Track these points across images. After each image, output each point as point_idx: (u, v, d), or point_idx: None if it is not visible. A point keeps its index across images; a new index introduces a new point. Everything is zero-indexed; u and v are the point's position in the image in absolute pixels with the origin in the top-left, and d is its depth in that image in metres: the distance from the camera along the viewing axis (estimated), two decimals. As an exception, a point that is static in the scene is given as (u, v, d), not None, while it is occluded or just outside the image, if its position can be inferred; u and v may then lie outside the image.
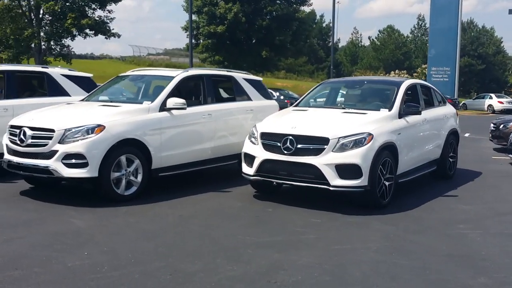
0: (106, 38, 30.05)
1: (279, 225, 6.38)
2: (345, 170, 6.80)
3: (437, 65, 46.51)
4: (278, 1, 36.23)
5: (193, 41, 36.25)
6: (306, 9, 39.57)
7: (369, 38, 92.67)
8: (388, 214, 6.90)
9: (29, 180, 8.03)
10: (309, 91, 9.06)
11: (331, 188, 6.84)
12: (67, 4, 28.75)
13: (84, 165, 6.86)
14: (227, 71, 9.73)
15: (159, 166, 7.71)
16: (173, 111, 7.87)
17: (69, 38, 29.84)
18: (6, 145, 7.48)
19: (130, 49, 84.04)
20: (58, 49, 30.62)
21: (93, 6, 29.66)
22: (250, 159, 7.50)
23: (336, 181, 6.80)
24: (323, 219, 6.62)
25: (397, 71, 61.77)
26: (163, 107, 7.79)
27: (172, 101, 7.81)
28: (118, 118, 7.31)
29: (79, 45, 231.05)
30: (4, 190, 7.87)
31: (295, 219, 6.62)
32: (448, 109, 9.79)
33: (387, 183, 7.21)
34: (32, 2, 28.78)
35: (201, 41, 35.83)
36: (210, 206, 7.23)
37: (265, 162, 7.26)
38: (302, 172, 6.99)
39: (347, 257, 5.20)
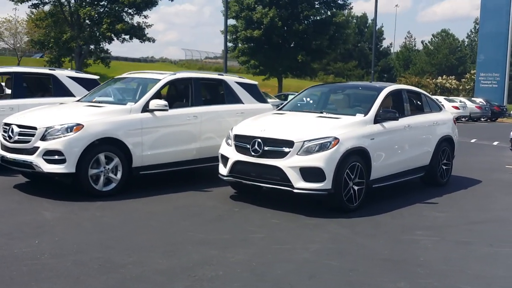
0: (141, 42, 31.09)
1: (235, 224, 6.57)
2: (309, 173, 6.91)
3: (486, 71, 45.22)
4: (316, 6, 36.21)
5: (232, 44, 36.87)
6: (357, 12, 39.26)
7: (422, 42, 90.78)
8: (352, 218, 6.95)
9: (25, 174, 8.55)
10: (295, 95, 9.19)
11: (294, 191, 6.96)
12: (104, 10, 29.99)
13: (62, 161, 7.29)
14: (219, 74, 10.00)
15: (140, 164, 8.05)
16: (156, 112, 8.19)
17: (106, 42, 31.08)
18: (0, 141, 8.03)
19: (190, 53, 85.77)
20: (97, 53, 31.93)
21: (130, 11, 30.75)
22: (224, 160, 7.73)
23: (299, 183, 6.93)
24: (283, 220, 6.76)
25: (444, 76, 60.37)
26: (145, 108, 8.13)
27: (154, 103, 8.15)
28: (99, 117, 7.70)
29: (141, 48, 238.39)
30: (1, 182, 8.42)
31: (256, 219, 6.79)
32: (442, 115, 9.66)
33: (356, 188, 7.25)
34: (72, 8, 30.16)
35: (239, 45, 36.30)
36: (181, 204, 7.50)
37: (236, 163, 7.47)
38: (268, 174, 7.15)
39: (279, 256, 5.33)
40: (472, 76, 53.68)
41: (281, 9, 34.11)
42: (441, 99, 34.41)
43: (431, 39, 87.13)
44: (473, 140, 19.51)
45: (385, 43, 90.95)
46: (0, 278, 4.51)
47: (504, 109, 39.47)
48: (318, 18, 36.49)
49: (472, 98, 39.65)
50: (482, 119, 36.83)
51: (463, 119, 34.43)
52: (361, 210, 7.33)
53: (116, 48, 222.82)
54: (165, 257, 5.18)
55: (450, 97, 38.64)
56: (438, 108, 9.78)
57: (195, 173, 9.52)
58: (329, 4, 37.55)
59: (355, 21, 79.88)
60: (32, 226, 6.06)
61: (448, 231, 6.56)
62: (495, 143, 18.39)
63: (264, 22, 33.50)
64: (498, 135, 21.85)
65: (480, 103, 36.86)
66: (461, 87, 61.25)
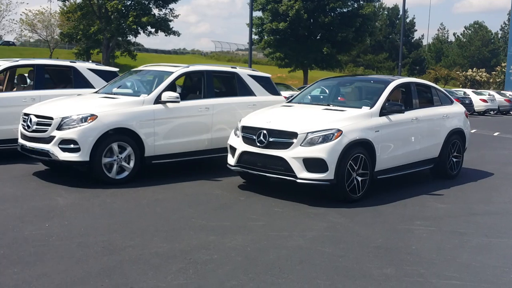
0: (166, 35, 31.56)
1: (238, 212, 6.81)
2: (311, 164, 7.09)
3: (517, 64, 44.22)
4: (343, -3, 36.07)
5: (257, 37, 37.01)
6: (389, 4, 38.88)
7: (454, 34, 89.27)
8: (353, 208, 7.11)
9: (45, 163, 8.96)
10: (305, 88, 9.34)
11: (298, 180, 7.16)
12: (130, 3, 30.59)
13: (76, 150, 7.65)
14: (232, 67, 10.22)
15: (152, 154, 8.36)
16: (168, 104, 8.48)
17: (132, 34, 31.68)
18: (20, 130, 8.44)
19: (219, 45, 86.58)
20: (124, 45, 32.55)
21: (157, 4, 31.24)
22: (232, 150, 7.97)
23: (303, 174, 7.12)
24: (285, 209, 6.96)
25: (474, 69, 59.40)
26: (158, 100, 8.42)
27: (167, 95, 8.43)
28: (112, 109, 8.03)
29: (174, 40, 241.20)
30: (21, 169, 8.85)
31: (259, 207, 7.01)
32: (453, 108, 9.67)
33: (359, 179, 7.40)
34: (100, 1, 30.84)
35: (265, 37, 36.44)
36: (189, 192, 7.77)
37: (243, 153, 7.70)
38: (273, 164, 7.35)
39: (275, 243, 5.55)
40: (503, 69, 52.59)
41: (307, 1, 34.08)
42: (469, 92, 33.94)
43: (464, 31, 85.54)
44: (496, 134, 19.29)
45: (417, 35, 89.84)
46: (9, 257, 4.84)
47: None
48: (344, 10, 36.29)
49: (502, 91, 38.91)
50: (511, 113, 36.15)
51: (492, 112, 33.87)
52: (365, 200, 7.48)
53: (148, 40, 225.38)
54: (165, 241, 5.45)
55: (479, 90, 38.00)
56: (449, 101, 9.79)
57: (206, 163, 9.79)
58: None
59: (386, 12, 78.98)
60: (45, 211, 6.41)
61: (446, 222, 6.65)
62: (519, 136, 18.16)
63: (290, 14, 33.54)
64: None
65: (510, 96, 36.16)
66: (491, 80, 60.05)
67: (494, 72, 60.35)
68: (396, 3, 76.61)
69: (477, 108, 31.94)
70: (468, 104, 30.01)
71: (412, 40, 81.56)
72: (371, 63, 75.49)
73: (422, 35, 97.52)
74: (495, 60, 76.50)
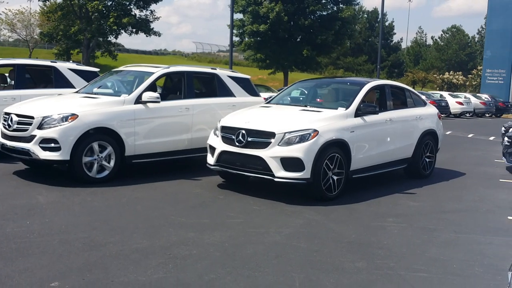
0: (146, 36, 31.64)
1: (217, 210, 6.97)
2: (289, 163, 7.29)
3: (492, 67, 45.20)
4: (323, 1, 36.42)
5: (238, 38, 37.22)
6: (369, 7, 39.21)
7: (432, 38, 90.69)
8: (329, 206, 7.32)
9: (25, 162, 9.01)
10: (283, 89, 9.56)
11: (275, 179, 7.35)
12: (111, 3, 30.62)
13: (57, 149, 7.74)
14: (212, 68, 10.39)
15: (133, 153, 8.47)
16: (149, 104, 8.61)
17: (113, 35, 31.66)
18: (1, 129, 8.48)
19: (201, 46, 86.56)
20: (105, 45, 32.49)
21: (138, 5, 31.31)
22: (212, 150, 8.13)
23: (280, 172, 7.31)
24: (263, 207, 7.15)
25: (451, 72, 60.51)
26: (138, 100, 8.55)
27: (147, 95, 8.56)
28: (93, 108, 8.13)
29: (155, 41, 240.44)
30: (1, 168, 8.86)
31: (237, 206, 7.19)
32: (426, 110, 9.97)
33: (335, 177, 7.63)
34: (81, 1, 30.78)
35: (246, 39, 36.68)
36: (169, 191, 7.91)
37: (222, 153, 7.87)
38: (251, 163, 7.54)
39: (251, 239, 5.73)
40: (479, 72, 53.66)
41: (287, 4, 34.37)
42: (445, 94, 34.56)
43: (441, 35, 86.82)
44: (470, 135, 19.76)
45: (396, 38, 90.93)
46: (-9, 253, 4.95)
47: (509, 105, 39.43)
48: (324, 13, 36.69)
49: (478, 94, 39.70)
50: (487, 115, 36.89)
51: (468, 115, 34.55)
52: (341, 198, 7.70)
53: (130, 40, 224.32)
54: (145, 238, 5.59)
55: (455, 93, 38.72)
56: (423, 103, 10.09)
57: (186, 163, 9.94)
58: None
59: (366, 16, 79.75)
60: (25, 209, 6.50)
61: (417, 219, 6.91)
62: (491, 138, 18.65)
63: (271, 16, 33.80)
64: (497, 130, 21.88)
65: (485, 99, 36.91)
66: (467, 83, 61.17)
67: (471, 75, 61.50)
68: (375, 6, 78.08)
69: (453, 111, 32.55)
70: (444, 107, 30.60)
71: (391, 43, 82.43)
72: (351, 66, 76.10)
73: (401, 39, 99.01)
74: (472, 64, 77.86)
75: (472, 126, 25.25)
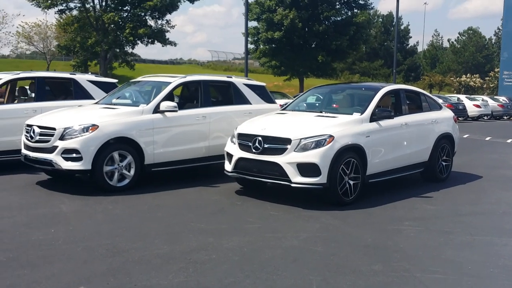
0: (162, 46, 32.08)
1: (235, 215, 7.11)
2: (305, 169, 7.40)
3: (510, 69, 44.80)
4: (337, 6, 36.55)
5: (253, 46, 37.49)
6: (384, 11, 39.23)
7: (448, 40, 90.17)
8: (346, 211, 7.41)
9: (48, 172, 9.24)
10: (298, 95, 9.69)
11: (292, 185, 7.47)
12: (127, 15, 31.16)
13: (79, 159, 7.96)
14: (228, 77, 10.55)
15: (152, 162, 8.66)
16: (166, 113, 8.80)
17: (130, 46, 32.18)
18: (23, 141, 8.74)
19: (216, 54, 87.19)
20: (122, 56, 32.96)
21: (153, 15, 31.80)
22: (229, 157, 8.28)
23: (297, 178, 7.43)
24: (281, 212, 7.27)
25: (468, 74, 60.15)
26: (156, 110, 8.74)
27: (165, 104, 8.76)
28: (113, 119, 8.35)
29: (171, 50, 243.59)
30: (25, 179, 9.14)
31: (255, 211, 7.31)
32: (442, 114, 10.00)
33: (351, 182, 7.72)
34: (97, 13, 31.31)
35: (261, 46, 36.95)
36: (189, 198, 8.08)
37: (240, 160, 8.01)
38: (268, 169, 7.67)
39: (270, 243, 5.85)
40: (496, 75, 53.24)
41: (301, 11, 34.56)
42: (462, 97, 34.37)
43: (458, 37, 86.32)
44: (488, 138, 19.64)
45: (412, 42, 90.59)
46: (18, 260, 5.13)
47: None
48: (338, 18, 36.82)
49: (495, 97, 39.37)
50: (505, 117, 36.56)
51: (485, 118, 34.29)
52: (357, 203, 7.78)
53: (146, 50, 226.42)
54: (166, 244, 5.75)
55: (472, 96, 38.46)
56: (438, 106, 10.14)
57: (204, 170, 10.10)
58: (350, 4, 37.85)
59: (381, 20, 79.63)
60: (49, 218, 6.71)
61: (433, 222, 6.96)
62: (509, 140, 18.53)
63: (285, 23, 34.02)
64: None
65: (503, 102, 36.60)
66: (485, 86, 60.69)
67: (488, 78, 61.05)
68: (390, 10, 78.14)
69: (471, 114, 32.36)
70: (461, 110, 30.45)
71: (407, 47, 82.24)
72: (367, 70, 76.02)
73: (417, 42, 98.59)
74: (489, 66, 77.20)
75: (490, 129, 25.08)
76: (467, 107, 31.65)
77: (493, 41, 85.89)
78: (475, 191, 9.12)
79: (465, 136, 19.98)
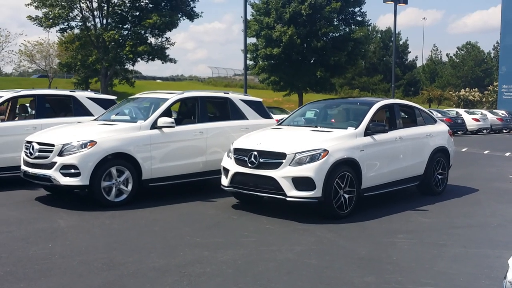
0: (162, 63, 32.48)
1: (231, 229, 7.18)
2: (300, 183, 7.49)
3: (508, 83, 45.00)
4: (335, 23, 36.90)
5: (252, 62, 37.79)
6: (383, 26, 39.50)
7: (447, 55, 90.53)
8: (341, 224, 7.48)
9: (46, 188, 9.33)
10: (294, 111, 9.81)
11: (287, 199, 7.54)
12: (126, 33, 31.60)
13: (77, 175, 8.05)
14: (225, 93, 10.68)
15: (149, 177, 8.75)
16: (164, 129, 8.91)
17: (130, 63, 32.55)
18: (23, 157, 8.84)
19: (216, 71, 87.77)
20: (122, 73, 33.29)
21: (153, 33, 32.24)
22: (226, 171, 8.37)
23: (292, 192, 7.51)
24: (276, 226, 7.34)
25: (467, 88, 60.45)
26: (154, 125, 8.86)
27: (162, 120, 8.87)
28: (111, 135, 8.46)
29: (171, 67, 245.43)
30: (24, 195, 9.23)
31: (251, 225, 7.38)
32: (436, 127, 10.10)
33: (346, 196, 7.79)
34: (98, 31, 31.69)
35: (260, 62, 37.25)
36: (185, 212, 8.15)
37: (236, 174, 8.10)
38: (264, 183, 7.75)
39: (264, 256, 5.91)
40: (495, 88, 53.54)
41: (299, 27, 34.88)
42: (461, 111, 34.50)
43: (456, 52, 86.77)
44: (486, 152, 19.71)
45: (411, 56, 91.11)
46: (15, 274, 5.20)
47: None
48: (336, 34, 37.14)
49: (494, 110, 39.52)
50: (504, 131, 36.64)
51: (485, 131, 34.37)
52: (353, 216, 7.85)
53: (146, 67, 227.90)
54: (161, 257, 5.82)
55: (471, 110, 38.61)
56: (433, 120, 10.24)
57: (201, 185, 10.17)
58: (348, 21, 38.20)
59: (379, 35, 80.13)
60: (47, 232, 6.78)
61: (428, 235, 7.02)
62: (507, 154, 18.59)
63: (283, 40, 34.30)
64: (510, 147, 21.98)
65: (502, 115, 36.72)
66: (484, 99, 60.92)
67: (487, 92, 61.32)
68: (389, 26, 78.76)
69: (470, 128, 32.47)
70: (460, 124, 30.56)
71: (406, 62, 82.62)
72: (366, 85, 76.27)
73: (416, 57, 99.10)
74: (488, 80, 77.40)
75: (489, 143, 25.15)
76: (466, 121, 31.76)
77: (492, 55, 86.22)
78: (470, 204, 9.18)
79: (463, 149, 20.06)
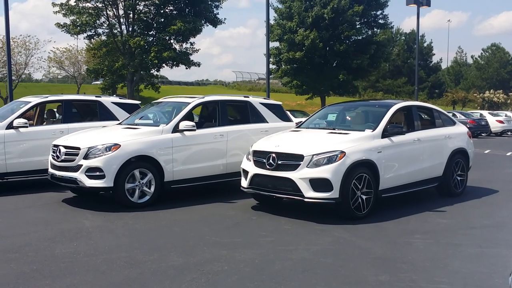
0: (186, 68, 32.92)
1: (250, 229, 7.35)
2: (317, 184, 7.62)
3: (535, 84, 44.16)
4: (357, 26, 36.85)
5: (275, 66, 37.99)
6: (407, 29, 39.33)
7: (471, 57, 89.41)
8: (358, 224, 7.58)
9: (73, 190, 9.64)
10: (313, 114, 9.95)
11: (305, 200, 7.68)
12: (152, 39, 32.19)
13: (102, 177, 8.33)
14: (245, 96, 10.87)
15: (171, 179, 8.99)
16: (185, 132, 9.14)
17: (155, 68, 33.12)
18: (50, 161, 9.17)
19: (240, 75, 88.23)
20: (148, 79, 33.86)
21: (177, 39, 32.79)
22: (245, 173, 8.55)
23: (309, 193, 7.65)
24: (294, 226, 7.48)
25: (492, 90, 59.64)
26: (176, 129, 9.09)
27: (184, 124, 9.10)
28: (134, 138, 8.73)
29: (197, 71, 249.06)
30: (51, 197, 9.56)
31: (269, 225, 7.54)
32: (455, 129, 10.10)
33: (364, 197, 7.89)
34: (124, 38, 32.30)
35: (283, 66, 37.45)
36: (206, 213, 8.35)
37: (255, 176, 8.28)
38: (282, 185, 7.91)
39: (281, 255, 6.06)
40: (519, 90, 53.03)
41: (322, 31, 34.94)
42: (485, 113, 34.09)
43: (481, 53, 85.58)
44: (509, 153, 19.48)
45: (435, 58, 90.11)
46: (41, 272, 5.46)
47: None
48: (359, 38, 37.11)
49: (520, 112, 38.91)
50: (530, 133, 36.03)
51: (509, 133, 33.87)
52: (371, 217, 7.94)
53: (172, 72, 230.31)
54: (181, 256, 6.02)
55: (495, 111, 38.09)
56: (452, 122, 10.25)
57: (222, 187, 10.38)
58: (370, 24, 38.13)
59: (403, 38, 79.46)
60: (73, 232, 7.05)
61: (444, 235, 7.07)
62: (533, 156, 18.37)
63: (306, 44, 34.41)
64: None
65: (527, 117, 36.10)
66: (509, 101, 59.96)
67: (511, 93, 60.44)
68: (413, 28, 78.26)
69: (494, 129, 32.08)
70: (484, 126, 30.23)
71: (431, 64, 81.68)
72: (390, 88, 75.66)
73: (441, 59, 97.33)
74: (514, 81, 76.31)
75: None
76: (489, 123, 31.40)
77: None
78: (488, 205, 9.18)
79: (486, 151, 19.87)
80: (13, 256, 5.97)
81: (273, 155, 7.99)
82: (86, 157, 8.46)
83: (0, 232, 7.13)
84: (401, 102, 9.47)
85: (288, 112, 12.10)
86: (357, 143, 8.03)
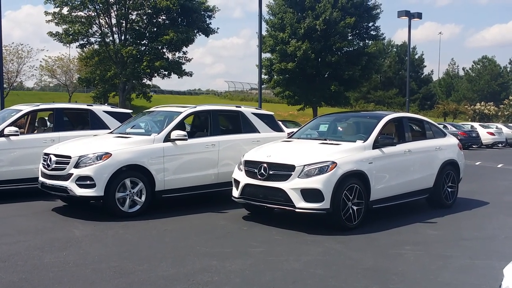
0: (179, 77, 33.01)
1: (240, 240, 7.33)
2: (309, 194, 7.63)
3: (525, 96, 44.59)
4: (349, 37, 37.11)
5: (267, 76, 38.13)
6: (398, 41, 39.57)
7: (463, 69, 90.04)
8: (349, 235, 7.58)
9: (63, 199, 9.58)
10: (305, 124, 9.98)
11: (296, 210, 7.68)
12: (144, 48, 32.27)
13: (92, 186, 8.29)
14: (237, 106, 10.89)
15: (162, 188, 8.96)
16: (177, 142, 9.13)
17: (147, 78, 33.17)
18: (40, 169, 9.12)
19: (233, 85, 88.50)
20: (139, 88, 33.90)
21: (170, 49, 32.88)
22: (236, 183, 8.55)
23: (301, 203, 7.65)
24: (285, 237, 7.47)
25: (482, 102, 60.17)
26: (167, 138, 9.08)
27: (175, 133, 9.10)
28: (125, 147, 8.70)
29: (189, 81, 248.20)
30: (41, 206, 9.48)
31: (260, 236, 7.53)
32: (446, 141, 10.17)
33: (355, 208, 7.90)
34: (116, 47, 32.35)
35: (275, 76, 37.60)
36: (197, 223, 8.32)
37: (246, 186, 8.27)
38: (273, 195, 7.90)
39: (271, 266, 6.05)
40: (511, 102, 53.25)
41: (314, 42, 35.14)
42: (476, 125, 34.35)
43: (472, 65, 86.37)
44: (499, 165, 19.63)
45: (426, 70, 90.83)
46: (30, 281, 5.41)
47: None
48: (350, 49, 37.37)
49: (510, 124, 39.22)
50: (521, 145, 36.33)
51: (500, 145, 34.13)
52: (362, 228, 7.95)
53: (165, 81, 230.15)
54: (171, 266, 5.99)
55: (486, 123, 38.40)
56: (442, 134, 10.32)
57: (213, 197, 10.35)
58: (362, 35, 38.41)
59: (395, 49, 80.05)
60: (62, 241, 7.00)
61: (435, 247, 7.09)
62: (524, 168, 18.50)
63: (298, 54, 34.59)
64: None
65: (518, 129, 36.42)
66: (500, 113, 60.49)
67: (503, 105, 61.00)
68: (405, 40, 78.99)
69: (485, 141, 32.32)
70: (475, 137, 30.44)
71: (422, 76, 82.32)
72: (382, 99, 76.12)
73: (432, 71, 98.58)
74: (504, 94, 76.76)
75: (503, 156, 25.00)
76: (480, 135, 31.65)
77: (508, 69, 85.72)
78: (479, 217, 9.22)
79: (477, 163, 20.00)
80: (1, 265, 5.91)
81: (265, 165, 8.00)
82: (76, 165, 8.42)
83: (-11, 241, 7.07)
84: (392, 114, 9.53)
85: (280, 123, 12.13)
86: (348, 154, 8.06)
